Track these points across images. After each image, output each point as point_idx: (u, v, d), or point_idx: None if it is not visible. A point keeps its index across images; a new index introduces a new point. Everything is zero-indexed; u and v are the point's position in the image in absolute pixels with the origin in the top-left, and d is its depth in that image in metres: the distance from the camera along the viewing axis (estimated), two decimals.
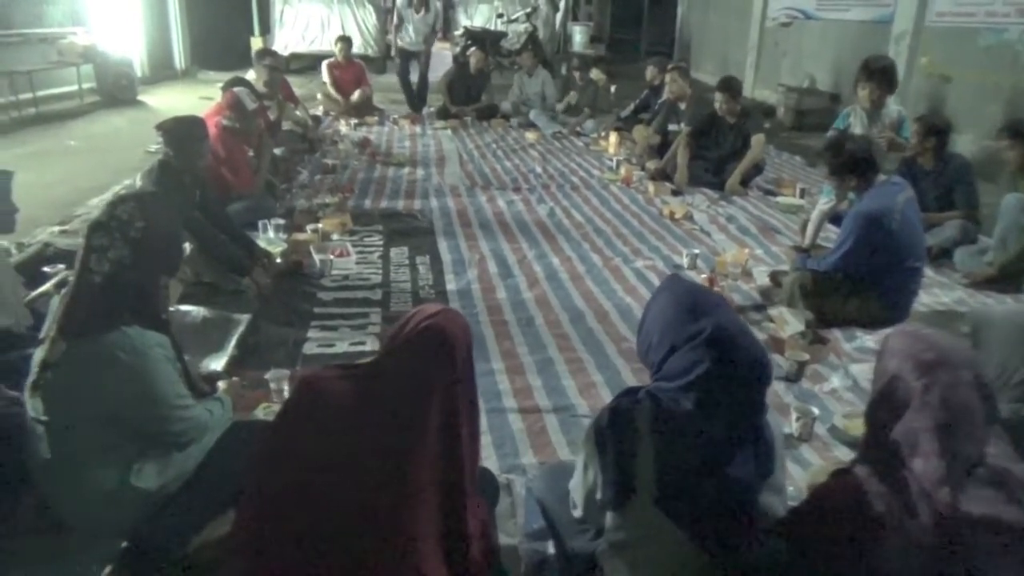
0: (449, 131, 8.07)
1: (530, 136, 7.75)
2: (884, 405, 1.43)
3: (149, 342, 1.87)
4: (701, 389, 1.48)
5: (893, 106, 4.81)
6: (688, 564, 1.49)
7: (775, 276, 3.77)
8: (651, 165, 6.22)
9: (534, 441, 2.48)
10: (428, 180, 5.95)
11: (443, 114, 8.54)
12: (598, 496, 1.61)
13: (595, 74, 8.88)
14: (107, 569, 1.88)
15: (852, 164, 3.35)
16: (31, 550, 1.94)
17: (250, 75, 6.31)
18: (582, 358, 3.05)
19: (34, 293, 2.92)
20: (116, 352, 1.81)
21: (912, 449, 1.35)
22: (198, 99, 9.42)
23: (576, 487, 1.72)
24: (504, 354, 3.06)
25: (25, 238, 3.98)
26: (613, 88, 9.71)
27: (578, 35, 15.66)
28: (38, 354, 1.90)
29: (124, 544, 1.90)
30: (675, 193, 5.66)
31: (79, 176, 5.83)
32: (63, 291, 1.92)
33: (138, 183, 3.53)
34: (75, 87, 9.29)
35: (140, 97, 9.92)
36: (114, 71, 9.66)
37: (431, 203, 5.28)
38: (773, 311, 3.43)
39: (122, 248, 1.86)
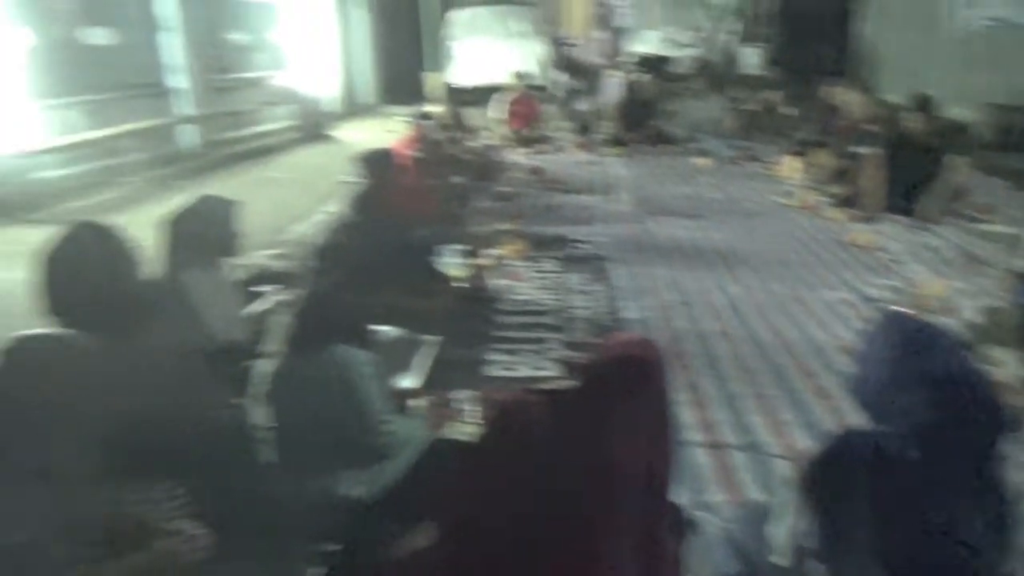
0: (618, 158, 8.07)
1: (701, 162, 7.59)
2: None
3: (359, 360, 2.00)
4: (929, 436, 1.36)
5: None
6: None
7: (987, 312, 3.41)
8: (835, 190, 5.89)
9: (720, 478, 2.39)
10: (599, 207, 5.97)
11: (614, 141, 8.56)
12: (807, 545, 1.52)
13: (769, 97, 8.57)
14: (315, 571, 2.00)
15: None
16: (248, 548, 2.11)
17: (432, 109, 6.66)
18: (770, 394, 2.91)
19: (253, 310, 3.21)
20: (331, 368, 1.94)
21: None
22: (383, 133, 10.07)
23: (781, 533, 1.63)
24: (686, 386, 2.98)
25: (240, 260, 4.40)
26: (789, 111, 9.31)
27: (751, 57, 15.18)
28: (263, 366, 2.08)
29: (331, 547, 2.02)
30: (863, 220, 5.31)
31: (282, 205, 6.38)
32: (285, 309, 2.09)
33: (340, 211, 3.80)
34: (278, 125, 10.24)
35: (333, 132, 10.75)
36: (311, 109, 10.55)
37: (604, 229, 5.29)
38: (987, 350, 3.10)
39: (339, 271, 2.00)
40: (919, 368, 1.40)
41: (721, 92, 9.29)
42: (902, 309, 3.56)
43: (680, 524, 1.93)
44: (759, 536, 1.77)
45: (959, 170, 5.29)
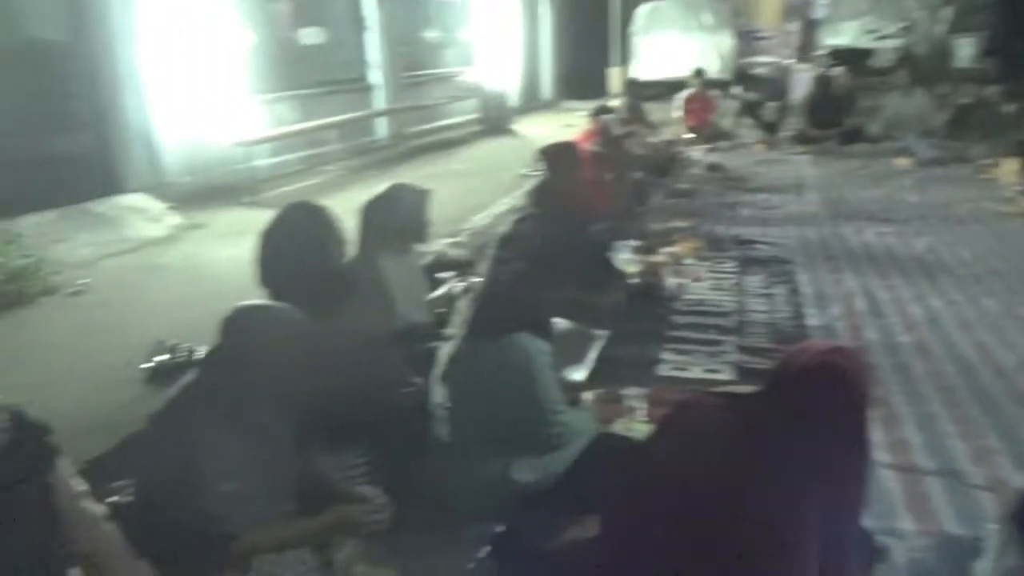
0: (807, 156, 7.63)
1: (900, 163, 6.99)
2: None
3: (537, 349, 2.03)
4: None
5: None
6: None
7: None
8: None
9: (912, 505, 2.19)
10: (785, 207, 5.69)
11: (802, 138, 8.09)
12: None
13: (984, 92, 7.71)
14: (483, 550, 2.06)
15: None
16: (419, 522, 2.21)
17: (613, 103, 6.63)
18: (974, 418, 2.63)
19: (434, 295, 3.37)
20: (510, 355, 1.99)
21: None
22: (562, 127, 10.17)
23: (984, 570, 1.48)
24: (875, 402, 2.75)
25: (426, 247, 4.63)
26: (1007, 107, 8.32)
27: (964, 48, 13.72)
28: (446, 349, 2.18)
29: (499, 529, 2.07)
30: None
31: (464, 196, 6.63)
32: (470, 295, 2.17)
33: (518, 203, 3.89)
34: (463, 118, 10.65)
35: (513, 126, 11.01)
36: (494, 103, 10.88)
37: (789, 231, 5.03)
38: None
39: (523, 260, 2.05)
40: None
41: (927, 87, 8.46)
42: None
43: (869, 550, 1.80)
44: (957, 571, 1.61)
45: None
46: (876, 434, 2.53)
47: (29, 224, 4.88)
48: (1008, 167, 6.26)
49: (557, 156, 3.79)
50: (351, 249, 2.72)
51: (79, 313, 3.97)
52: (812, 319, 3.54)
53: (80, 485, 1.39)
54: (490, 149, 9.55)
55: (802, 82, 9.61)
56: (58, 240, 4.90)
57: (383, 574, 1.89)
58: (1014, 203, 5.42)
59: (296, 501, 1.92)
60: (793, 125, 8.48)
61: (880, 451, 2.45)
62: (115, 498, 1.86)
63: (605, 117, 5.03)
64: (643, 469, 1.65)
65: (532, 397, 2.01)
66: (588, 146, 4.81)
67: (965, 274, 4.05)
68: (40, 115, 5.47)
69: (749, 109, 8.85)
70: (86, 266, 4.70)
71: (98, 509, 1.43)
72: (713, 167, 7.09)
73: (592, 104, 6.87)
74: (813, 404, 1.47)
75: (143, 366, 3.15)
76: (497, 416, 2.05)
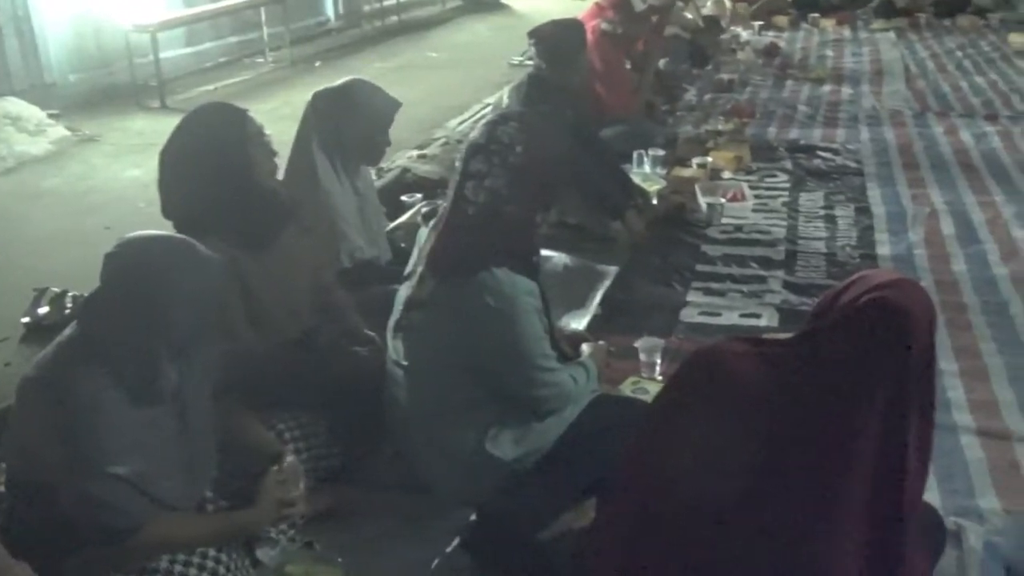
0: (893, 34, 7.57)
1: (1017, 40, 6.94)
2: None
3: (519, 288, 2.05)
4: None
5: None
6: None
7: None
8: None
9: (999, 479, 2.27)
10: (858, 102, 5.71)
11: (886, 10, 8.02)
12: None
13: None
14: (452, 542, 2.14)
15: None
16: (385, 504, 2.29)
17: None
18: None
19: (396, 223, 3.39)
20: (485, 295, 2.02)
21: None
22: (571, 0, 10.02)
23: None
24: (959, 351, 2.84)
25: (383, 163, 4.62)
26: None
27: None
28: (403, 292, 2.21)
29: (472, 517, 2.15)
30: None
31: (439, 93, 6.59)
32: (432, 223, 2.19)
33: (505, 101, 3.88)
34: None
35: (505, 1, 10.85)
36: None
37: (861, 134, 5.06)
38: None
39: (500, 176, 2.06)
40: None
41: None
42: None
43: (935, 533, 1.87)
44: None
45: None
46: (958, 392, 2.61)
47: None
48: None
49: (554, 39, 3.76)
50: (285, 165, 2.73)
51: None
52: (884, 247, 3.60)
53: None
54: (475, 31, 9.44)
55: None
56: None
57: (325, 572, 1.96)
58: None
59: (215, 486, 1.98)
60: None
61: (960, 413, 2.53)
62: None
63: None
64: (651, 439, 1.71)
65: (511, 351, 2.04)
66: (598, 24, 4.75)
67: None
68: None
69: None
70: None
71: None
72: (768, 50, 7.05)
73: None
74: (861, 353, 1.50)
75: (22, 320, 3.20)
76: (471, 374, 2.09)
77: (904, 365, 1.49)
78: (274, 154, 2.46)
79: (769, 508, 1.49)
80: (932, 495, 2.19)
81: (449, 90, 6.66)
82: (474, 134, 2.16)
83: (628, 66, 4.96)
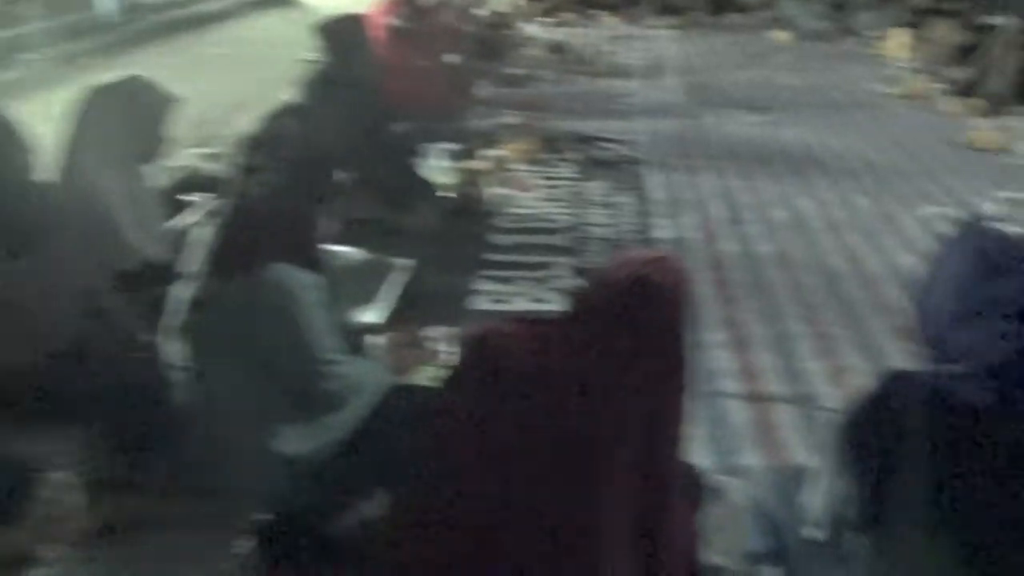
0: (670, 31, 7.97)
1: (779, 37, 7.49)
2: None
3: (299, 283, 2.05)
4: (1009, 376, 1.40)
5: None
6: None
7: None
8: (955, 74, 5.84)
9: (761, 437, 2.46)
10: (638, 96, 5.97)
11: (665, 8, 8.45)
12: (846, 515, 1.59)
13: None
14: (245, 542, 2.11)
15: None
16: (166, 514, 2.22)
17: None
18: (834, 335, 2.97)
19: (179, 224, 3.28)
20: (266, 293, 2.01)
21: None
22: None
23: (815, 500, 1.70)
24: (726, 323, 3.05)
25: (167, 162, 4.44)
26: None
27: None
28: (182, 292, 2.15)
29: (263, 516, 2.12)
30: (987, 114, 5.26)
31: (226, 90, 6.40)
32: (213, 221, 2.15)
33: (292, 98, 3.82)
34: None
35: None
36: None
37: (642, 125, 5.29)
38: None
39: (277, 171, 2.05)
40: (995, 292, 1.44)
41: None
42: (983, 221, 3.56)
43: (696, 489, 2.01)
44: (795, 506, 1.84)
45: None
46: (724, 360, 2.81)
47: None
48: (897, 40, 6.87)
49: (338, 34, 3.74)
50: (60, 165, 2.60)
51: None
52: (661, 231, 3.80)
53: None
54: (265, 25, 9.21)
55: None
56: None
57: None
58: (900, 83, 5.98)
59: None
60: None
61: (728, 379, 2.72)
62: None
63: None
64: (436, 422, 1.75)
65: (296, 345, 2.04)
66: (386, 20, 4.77)
67: (838, 169, 4.49)
68: None
69: None
70: None
71: None
72: (555, 47, 7.26)
73: None
74: (622, 325, 1.60)
75: None
76: (255, 373, 2.07)
77: (661, 337, 1.60)
78: (27, 151, 2.34)
79: (543, 479, 1.56)
80: (701, 456, 2.36)
81: (237, 87, 6.48)
82: (252, 130, 2.14)
83: (421, 61, 4.98)
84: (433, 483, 1.68)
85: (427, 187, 3.97)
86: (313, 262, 2.16)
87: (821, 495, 1.65)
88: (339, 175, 3.17)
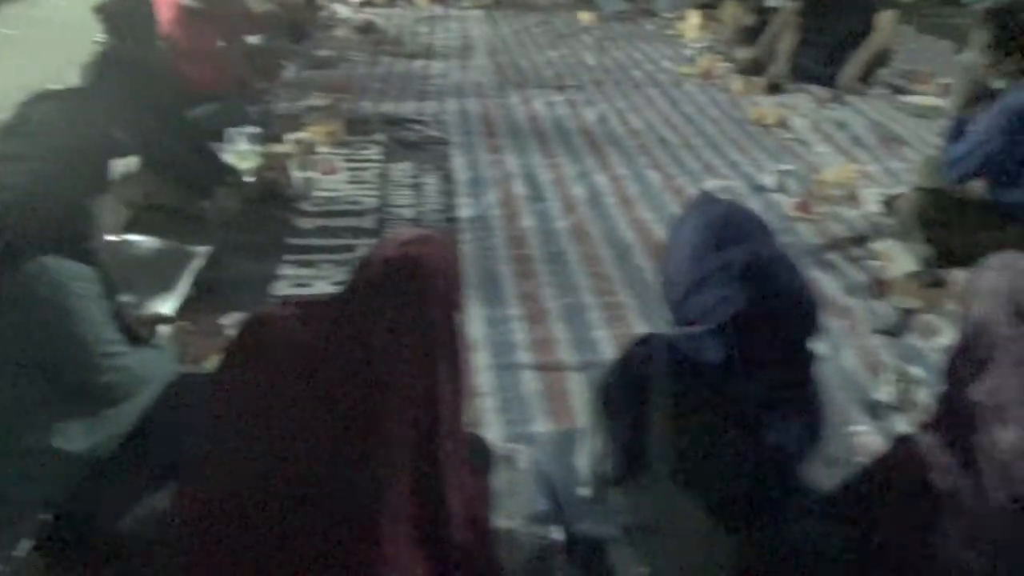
0: (480, 11, 8.05)
1: (584, 17, 7.69)
2: (966, 359, 1.46)
3: (70, 275, 1.98)
4: (732, 335, 1.52)
5: None
6: (713, 551, 1.56)
7: (887, 200, 3.73)
8: (741, 54, 6.15)
9: (551, 405, 2.56)
10: (447, 76, 6.01)
11: None
12: (606, 471, 1.69)
13: None
14: (26, 545, 2.03)
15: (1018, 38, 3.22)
16: None
17: None
18: (623, 303, 3.11)
19: None
20: (34, 286, 1.93)
21: (997, 415, 1.38)
22: None
23: (583, 459, 1.80)
24: (523, 297, 3.14)
25: None
26: None
27: None
28: None
29: (45, 516, 2.05)
30: (772, 91, 5.59)
31: (12, 76, 6.00)
32: None
33: (80, 80, 3.65)
34: None
35: None
36: None
37: (448, 106, 5.34)
38: (879, 245, 3.42)
39: (39, 158, 1.96)
40: (723, 259, 1.56)
41: None
42: (717, 192, 3.82)
43: (483, 458, 2.09)
44: (570, 465, 1.95)
45: (887, 29, 5.61)
46: (519, 334, 2.90)
47: None
48: (692, 22, 7.19)
49: (119, 13, 3.59)
50: None
51: None
52: (464, 210, 3.87)
53: None
54: (59, 5, 8.68)
55: None
56: None
57: None
58: (693, 63, 6.27)
59: None
60: None
61: (522, 352, 2.82)
62: None
63: None
64: (211, 409, 1.74)
65: (69, 340, 1.97)
66: (180, 0, 4.61)
67: (633, 146, 4.67)
68: None
69: None
70: None
71: None
72: (364, 27, 7.20)
73: None
74: (391, 302, 1.64)
75: None
76: (27, 369, 1.99)
77: (426, 312, 1.65)
78: None
79: (320, 457, 1.59)
80: (495, 428, 2.45)
81: (26, 73, 6.09)
82: (6, 116, 2.04)
83: (215, 43, 4.84)
84: (212, 469, 1.68)
85: (227, 171, 3.88)
86: (88, 253, 2.09)
87: (587, 454, 1.75)
88: (130, 162, 3.07)
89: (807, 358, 1.59)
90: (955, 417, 1.44)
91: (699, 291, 1.58)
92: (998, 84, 3.39)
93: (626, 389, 1.60)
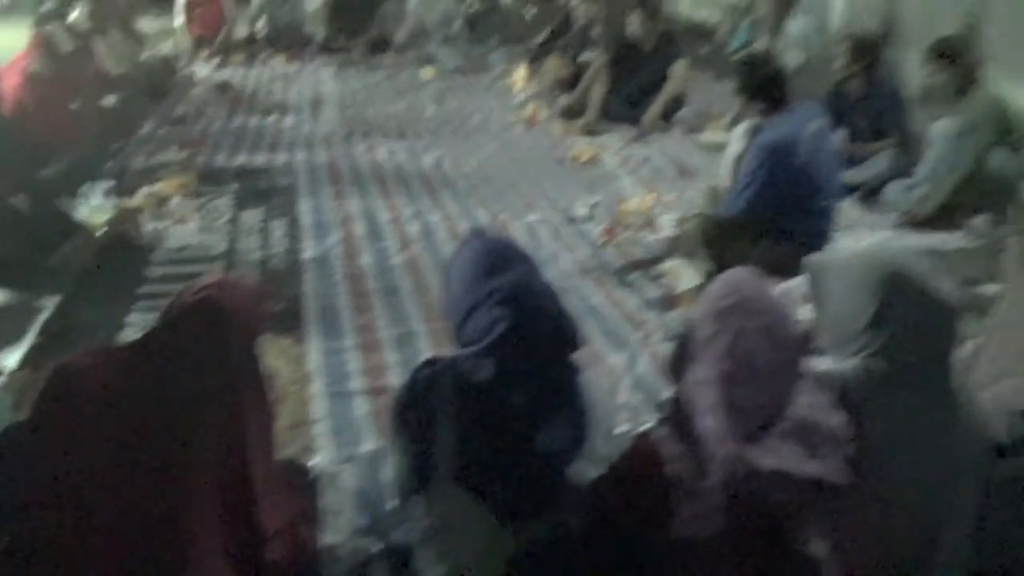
0: (332, 69, 7.98)
1: (425, 73, 7.72)
2: (678, 357, 1.54)
3: None
4: (501, 352, 1.56)
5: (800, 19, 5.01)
6: (496, 546, 1.58)
7: (678, 223, 3.89)
8: (563, 101, 6.31)
9: (381, 426, 2.53)
10: (298, 128, 5.93)
11: (324, 48, 8.43)
12: (407, 482, 1.69)
13: None
14: None
15: (760, 84, 3.43)
16: None
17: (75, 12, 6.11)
18: (445, 327, 3.10)
19: None
20: None
21: (697, 404, 1.46)
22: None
23: (389, 474, 1.80)
24: (359, 329, 3.12)
25: None
26: (525, 11, 9.68)
27: None
28: None
29: None
30: (583, 132, 5.75)
31: None
32: None
33: None
34: None
35: None
36: None
37: (298, 156, 5.28)
38: (668, 264, 3.56)
39: None
40: (492, 285, 1.60)
41: None
42: (534, 223, 3.90)
43: (302, 482, 2.06)
44: (379, 482, 1.94)
45: (679, 76, 5.88)
46: (355, 363, 2.87)
47: None
48: (519, 74, 7.33)
49: None
50: None
51: None
52: (308, 251, 3.81)
53: None
54: None
55: None
56: None
57: None
58: (521, 110, 6.40)
59: None
60: (315, 33, 8.76)
61: (355, 379, 2.79)
62: None
63: (49, 28, 4.64)
64: (23, 457, 1.65)
65: None
66: (27, 66, 4.40)
67: (464, 186, 4.72)
68: None
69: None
70: None
71: None
72: (221, 86, 7.04)
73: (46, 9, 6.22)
74: (190, 343, 1.61)
75: None
76: None
77: (227, 352, 1.62)
78: None
79: (131, 488, 1.53)
80: (325, 450, 2.41)
81: None
82: None
83: (64, 104, 4.64)
84: (30, 515, 1.60)
85: (73, 225, 3.72)
86: None
87: (392, 469, 1.76)
88: None
89: (570, 370, 1.65)
90: (678, 409, 1.51)
91: (473, 315, 1.61)
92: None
93: (414, 407, 1.62)
